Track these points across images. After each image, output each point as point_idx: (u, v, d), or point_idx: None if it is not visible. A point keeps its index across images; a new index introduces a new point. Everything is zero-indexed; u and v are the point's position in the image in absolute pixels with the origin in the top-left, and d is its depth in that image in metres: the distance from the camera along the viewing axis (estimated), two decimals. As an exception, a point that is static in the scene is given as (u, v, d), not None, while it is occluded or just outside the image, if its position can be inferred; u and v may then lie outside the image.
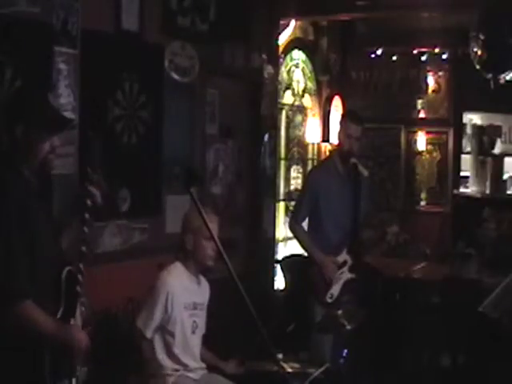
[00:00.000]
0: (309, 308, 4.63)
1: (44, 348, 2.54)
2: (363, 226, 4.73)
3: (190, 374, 3.53)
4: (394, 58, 8.20)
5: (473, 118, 8.43)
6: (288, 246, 7.15)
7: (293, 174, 7.71)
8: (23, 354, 2.52)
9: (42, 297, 2.58)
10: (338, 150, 4.76)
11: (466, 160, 8.37)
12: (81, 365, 2.71)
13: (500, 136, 8.38)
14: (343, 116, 5.02)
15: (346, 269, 4.60)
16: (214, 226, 3.27)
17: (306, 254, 4.88)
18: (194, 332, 3.55)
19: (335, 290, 4.57)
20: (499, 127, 8.39)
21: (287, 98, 7.50)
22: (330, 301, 4.55)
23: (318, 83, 8.03)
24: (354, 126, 4.62)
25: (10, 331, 2.50)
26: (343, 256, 4.58)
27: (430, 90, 8.27)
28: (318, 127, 7.96)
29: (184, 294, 3.50)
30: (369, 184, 4.90)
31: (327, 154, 7.54)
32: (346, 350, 3.98)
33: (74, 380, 2.66)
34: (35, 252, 2.58)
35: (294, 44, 7.35)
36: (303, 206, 4.72)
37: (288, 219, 5.10)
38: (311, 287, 4.61)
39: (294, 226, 4.75)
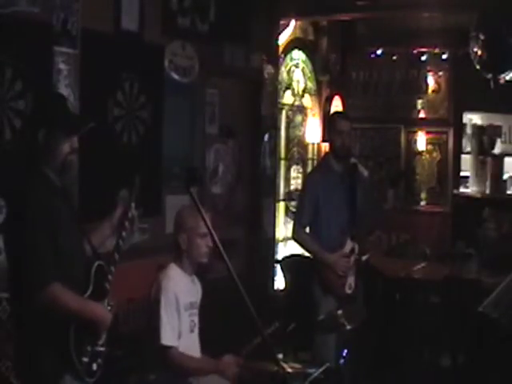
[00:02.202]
0: (310, 307, 4.64)
1: (69, 325, 2.70)
2: (364, 225, 4.75)
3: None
4: (394, 57, 8.19)
5: (473, 118, 8.41)
6: (288, 246, 7.15)
7: (293, 174, 7.71)
8: (51, 331, 2.69)
9: (68, 285, 2.72)
10: (331, 150, 4.81)
11: (466, 160, 8.36)
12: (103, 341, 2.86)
13: (500, 136, 8.36)
14: (331, 116, 5.19)
15: (355, 256, 4.66)
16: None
17: (306, 254, 4.89)
18: (192, 331, 3.55)
19: (351, 279, 4.65)
20: (499, 127, 8.37)
21: (287, 98, 7.50)
22: (349, 292, 4.64)
23: (318, 83, 8.03)
24: (342, 122, 4.75)
25: (40, 312, 2.67)
26: (349, 244, 4.64)
27: (430, 90, 8.26)
28: (318, 127, 7.96)
29: (183, 295, 3.50)
30: (369, 184, 4.93)
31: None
32: (345, 350, 3.98)
33: (96, 356, 2.82)
34: (60, 245, 2.73)
35: (293, 44, 7.35)
36: (305, 210, 4.74)
37: (289, 225, 5.10)
38: (328, 288, 4.63)
39: (299, 233, 4.76)
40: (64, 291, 2.69)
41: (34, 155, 2.81)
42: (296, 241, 4.81)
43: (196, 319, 3.58)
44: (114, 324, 2.91)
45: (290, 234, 4.99)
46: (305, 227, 4.76)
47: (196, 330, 3.59)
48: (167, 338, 3.37)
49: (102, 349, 2.85)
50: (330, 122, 4.91)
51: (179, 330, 3.42)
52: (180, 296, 3.45)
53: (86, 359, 2.76)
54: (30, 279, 2.66)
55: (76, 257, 2.84)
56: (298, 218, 4.88)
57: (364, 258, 5.12)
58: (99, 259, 2.93)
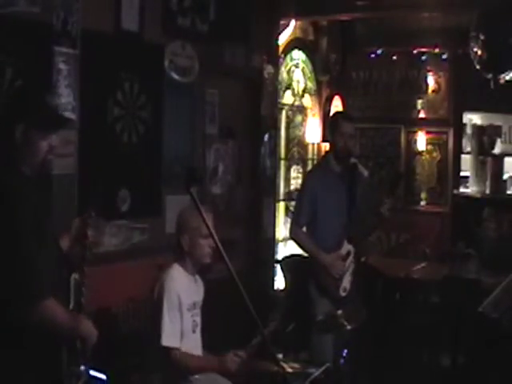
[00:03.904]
0: (309, 308, 4.63)
1: (61, 340, 2.63)
2: (363, 225, 4.74)
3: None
4: (394, 57, 8.19)
5: (473, 118, 8.42)
6: (288, 246, 7.15)
7: (293, 174, 7.71)
8: (43, 344, 2.59)
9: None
10: (332, 151, 4.78)
11: (466, 160, 8.36)
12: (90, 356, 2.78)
13: (500, 136, 8.36)
14: (334, 116, 5.09)
15: (350, 259, 4.65)
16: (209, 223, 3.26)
17: (306, 255, 4.89)
18: (194, 331, 3.55)
19: (346, 282, 4.63)
20: (499, 127, 8.37)
21: (287, 98, 7.50)
22: (344, 294, 4.62)
23: (318, 83, 8.03)
24: (346, 123, 4.71)
25: (33, 326, 2.55)
26: (346, 247, 4.63)
27: (430, 90, 8.26)
28: (318, 127, 7.96)
29: (186, 296, 3.49)
30: (369, 184, 4.92)
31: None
32: (345, 350, 3.98)
33: (84, 368, 2.74)
34: (42, 251, 2.60)
35: (293, 44, 7.35)
36: (303, 210, 4.73)
37: (289, 224, 5.09)
38: (322, 289, 4.62)
39: (296, 232, 4.75)
40: (58, 307, 2.58)
41: (11, 153, 2.65)
42: (293, 240, 4.81)
43: (198, 319, 3.58)
44: (114, 324, 2.90)
45: (288, 235, 4.99)
46: (302, 227, 4.75)
47: (198, 330, 3.59)
48: (169, 338, 3.36)
49: (85, 368, 2.75)
50: (332, 123, 4.85)
51: (181, 330, 3.42)
52: (182, 296, 3.45)
53: (74, 379, 2.68)
54: (23, 294, 2.50)
55: (54, 265, 2.71)
56: (295, 217, 4.88)
57: (362, 259, 5.11)
58: (73, 270, 2.81)
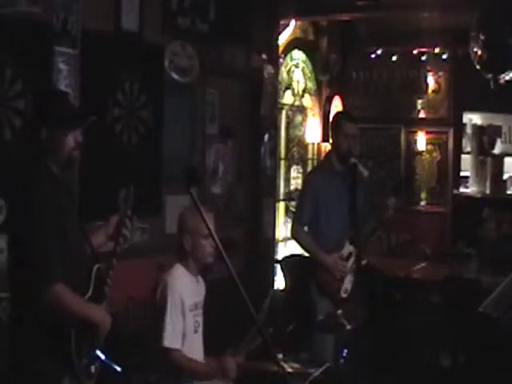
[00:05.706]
0: (310, 308, 4.63)
1: (71, 327, 2.71)
2: (363, 224, 4.74)
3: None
4: (394, 58, 8.19)
5: (473, 118, 8.42)
6: (288, 246, 7.16)
7: (293, 174, 7.71)
8: (53, 331, 2.70)
9: (71, 285, 2.72)
10: (334, 151, 4.76)
11: (466, 160, 8.36)
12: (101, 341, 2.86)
13: (500, 136, 8.37)
14: (336, 117, 5.01)
15: (352, 260, 4.63)
16: (209, 222, 3.26)
17: (306, 254, 4.89)
18: (196, 331, 3.54)
19: (347, 283, 4.60)
20: (499, 127, 8.38)
21: (287, 98, 7.50)
22: (345, 296, 4.59)
23: (318, 83, 8.03)
24: (350, 125, 4.67)
25: (42, 312, 2.68)
26: (347, 248, 4.60)
27: (430, 90, 8.26)
28: (318, 127, 7.96)
29: (188, 296, 3.49)
30: (368, 184, 4.92)
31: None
32: (345, 350, 3.98)
33: (94, 359, 2.83)
34: (64, 243, 2.73)
35: (293, 44, 7.36)
36: (305, 210, 4.71)
37: (289, 224, 5.08)
38: (323, 289, 4.61)
39: (297, 232, 4.73)
40: (67, 292, 2.69)
41: (39, 150, 2.79)
42: (295, 239, 4.80)
43: (200, 319, 3.57)
44: (114, 325, 2.91)
45: (289, 234, 4.98)
46: (303, 226, 4.74)
47: (200, 331, 3.58)
48: (170, 339, 3.36)
49: (99, 352, 2.84)
50: (335, 124, 4.79)
51: (183, 331, 3.41)
52: (185, 297, 3.44)
53: (85, 361, 2.77)
54: (35, 278, 2.64)
55: (78, 257, 2.83)
56: (297, 216, 4.86)
57: (363, 262, 5.09)
58: (98, 262, 2.93)
